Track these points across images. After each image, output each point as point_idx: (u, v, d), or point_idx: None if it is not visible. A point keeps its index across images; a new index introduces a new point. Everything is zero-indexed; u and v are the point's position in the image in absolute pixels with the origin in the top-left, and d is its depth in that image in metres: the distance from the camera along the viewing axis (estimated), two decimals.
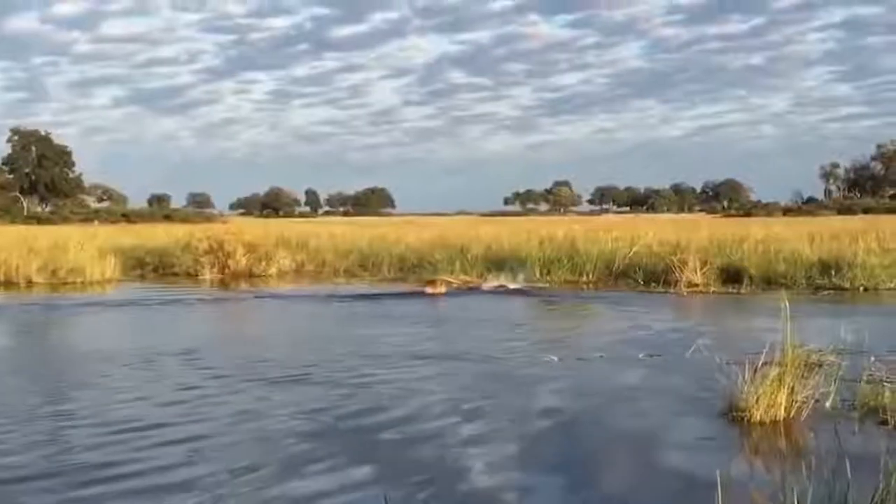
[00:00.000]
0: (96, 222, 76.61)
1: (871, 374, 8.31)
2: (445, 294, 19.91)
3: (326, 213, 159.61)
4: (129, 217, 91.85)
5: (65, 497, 5.75)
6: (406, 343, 12.35)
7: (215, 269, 26.12)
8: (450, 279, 21.68)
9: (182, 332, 14.63)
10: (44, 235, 31.94)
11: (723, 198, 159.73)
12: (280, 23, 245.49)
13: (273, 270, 26.50)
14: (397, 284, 22.78)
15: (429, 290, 20.08)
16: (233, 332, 15.37)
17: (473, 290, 20.74)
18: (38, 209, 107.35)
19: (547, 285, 21.45)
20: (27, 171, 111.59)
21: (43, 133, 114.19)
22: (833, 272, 20.19)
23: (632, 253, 23.89)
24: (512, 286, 20.89)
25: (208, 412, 8.04)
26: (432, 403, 8.30)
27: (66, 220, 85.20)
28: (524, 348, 11.87)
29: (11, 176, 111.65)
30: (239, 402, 8.42)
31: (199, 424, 7.56)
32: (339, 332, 14.13)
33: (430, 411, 8.00)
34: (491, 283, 21.36)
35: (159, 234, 37.43)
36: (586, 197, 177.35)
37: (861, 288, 19.60)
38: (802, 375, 7.65)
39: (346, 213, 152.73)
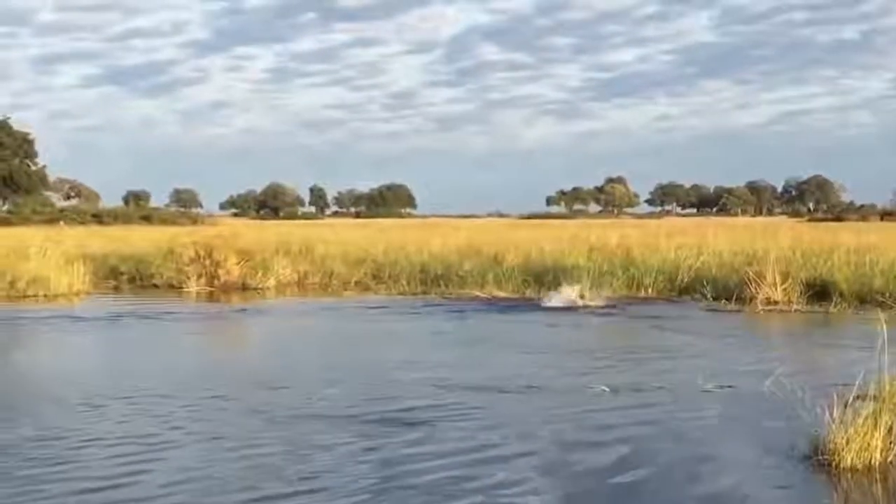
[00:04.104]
0: (62, 223, 77.16)
1: None
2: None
3: (335, 215, 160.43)
4: (100, 218, 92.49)
5: None
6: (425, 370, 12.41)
7: (202, 281, 26.31)
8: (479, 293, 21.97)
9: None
10: (0, 239, 32.21)
11: (808, 198, 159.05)
12: None
13: (271, 282, 26.66)
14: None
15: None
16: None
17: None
18: None
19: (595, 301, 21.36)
20: None
21: (0, 117, 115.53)
22: None
23: (699, 264, 23.84)
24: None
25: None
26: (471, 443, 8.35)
27: (26, 220, 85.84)
28: (568, 376, 11.88)
29: None
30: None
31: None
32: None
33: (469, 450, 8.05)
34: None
35: (137, 239, 37.73)
36: (644, 196, 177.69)
37: None
38: None
39: (357, 215, 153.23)
